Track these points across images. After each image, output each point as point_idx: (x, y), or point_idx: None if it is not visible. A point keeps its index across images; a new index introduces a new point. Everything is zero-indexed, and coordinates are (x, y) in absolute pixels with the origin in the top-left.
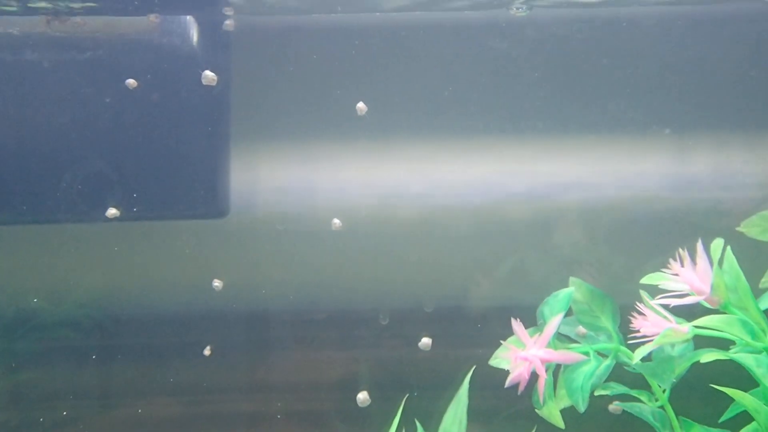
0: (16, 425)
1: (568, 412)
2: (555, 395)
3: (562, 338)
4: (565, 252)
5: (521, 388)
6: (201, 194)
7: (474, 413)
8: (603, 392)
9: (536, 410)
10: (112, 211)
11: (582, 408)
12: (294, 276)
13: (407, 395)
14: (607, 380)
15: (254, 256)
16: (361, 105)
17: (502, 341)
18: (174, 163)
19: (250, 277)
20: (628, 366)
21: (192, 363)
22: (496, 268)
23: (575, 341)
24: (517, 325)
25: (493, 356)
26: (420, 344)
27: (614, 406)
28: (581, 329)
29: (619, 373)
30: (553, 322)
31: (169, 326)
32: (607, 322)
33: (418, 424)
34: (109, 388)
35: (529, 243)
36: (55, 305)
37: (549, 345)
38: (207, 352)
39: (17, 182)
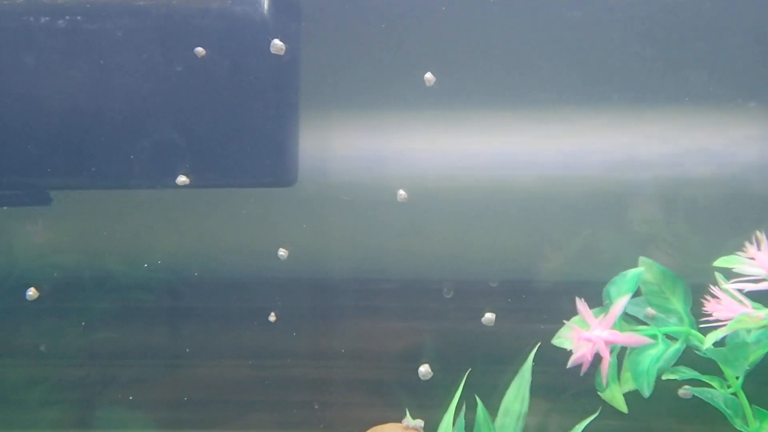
0: (93, 382)
1: (637, 393)
2: (619, 378)
3: (629, 319)
4: (640, 228)
5: (584, 369)
6: (269, 163)
7: (537, 390)
8: (671, 377)
9: (599, 393)
10: (182, 179)
11: (647, 392)
12: (359, 246)
13: (470, 369)
14: (676, 364)
15: (320, 225)
16: (429, 75)
17: (565, 320)
18: (243, 132)
19: (315, 246)
20: (699, 351)
21: (259, 327)
22: (566, 243)
23: (644, 323)
24: (581, 304)
25: (556, 335)
26: (483, 319)
27: (684, 391)
28: (650, 311)
29: (689, 357)
30: (619, 303)
31: (238, 291)
32: (678, 305)
33: (478, 400)
34: (179, 349)
35: (602, 218)
36: (130, 268)
37: (614, 326)
38: (272, 318)
39: (94, 149)
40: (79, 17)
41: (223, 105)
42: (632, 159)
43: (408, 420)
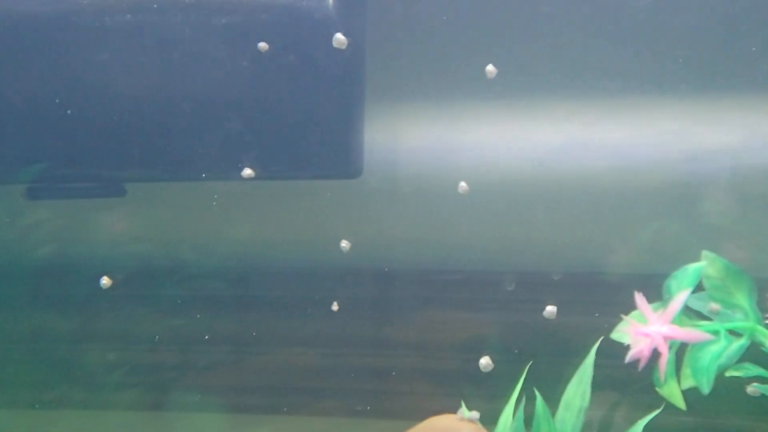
0: (170, 366)
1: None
2: (679, 374)
3: (691, 315)
4: (712, 220)
5: (641, 365)
6: (335, 155)
7: (599, 384)
8: (735, 374)
9: (656, 389)
10: (247, 172)
11: (706, 389)
12: (422, 237)
13: (531, 362)
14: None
15: (384, 216)
16: (490, 68)
17: (623, 315)
18: (309, 125)
19: (379, 237)
20: (765, 347)
21: (325, 317)
22: (633, 235)
23: (708, 318)
24: (640, 298)
25: (615, 330)
26: (545, 312)
27: (753, 389)
28: (714, 306)
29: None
30: (679, 297)
31: (305, 281)
32: (742, 300)
33: (537, 393)
34: (248, 336)
35: (672, 210)
36: (202, 257)
37: (674, 321)
38: (335, 307)
39: (166, 143)
40: (149, 14)
41: (291, 98)
42: (705, 148)
43: (463, 411)
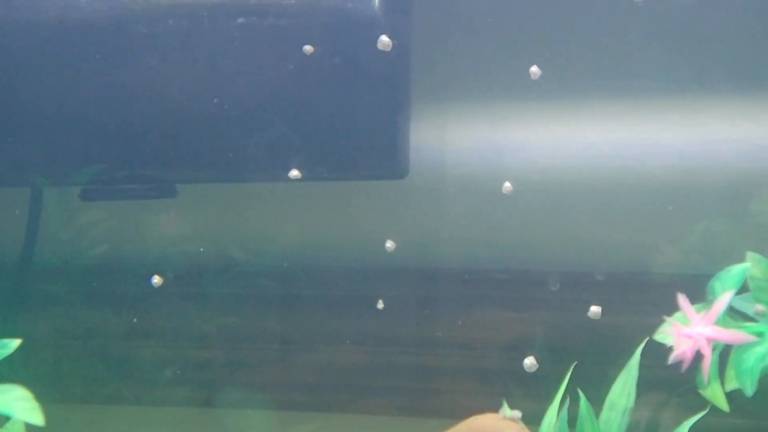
0: (220, 364)
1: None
2: (723, 376)
3: (736, 316)
4: (760, 221)
5: (684, 366)
6: (380, 156)
7: (644, 385)
8: None
9: (699, 390)
10: (294, 173)
11: (750, 391)
12: (467, 237)
13: (575, 362)
14: None
15: (430, 216)
16: (534, 69)
17: (665, 316)
18: (356, 126)
19: (425, 236)
20: None
21: (371, 315)
22: (679, 235)
23: (752, 319)
24: (682, 299)
25: (658, 331)
26: (589, 313)
27: None
28: (760, 307)
29: None
30: (723, 299)
31: (351, 280)
32: None
33: (581, 393)
34: (295, 334)
35: (719, 210)
36: (250, 256)
37: (718, 323)
38: (380, 305)
39: (215, 145)
40: (197, 20)
41: (337, 100)
42: (754, 148)
43: (505, 411)
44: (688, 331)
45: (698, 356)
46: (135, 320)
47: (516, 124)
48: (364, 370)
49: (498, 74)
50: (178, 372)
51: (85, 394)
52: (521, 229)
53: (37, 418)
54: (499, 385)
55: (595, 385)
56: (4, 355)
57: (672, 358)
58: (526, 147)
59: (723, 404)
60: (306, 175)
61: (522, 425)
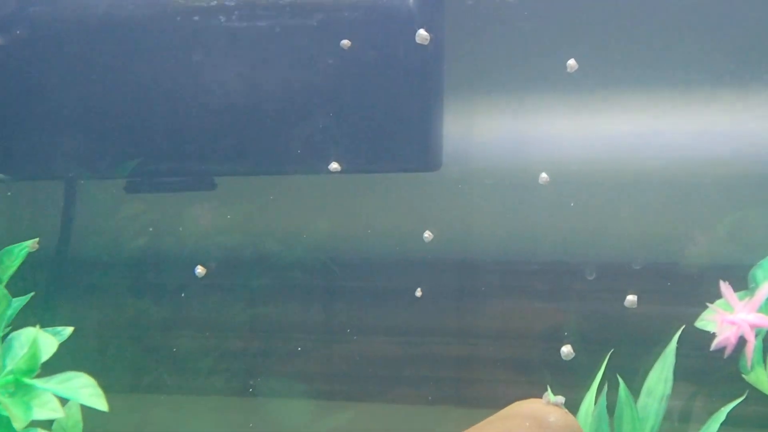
0: (253, 354)
1: None
2: (765, 361)
3: None
4: None
5: (727, 352)
6: (415, 148)
7: (680, 373)
8: None
9: (743, 376)
10: (333, 165)
11: None
12: (502, 228)
13: (612, 351)
14: None
15: (464, 208)
16: (571, 62)
17: (708, 303)
18: (390, 119)
19: (460, 228)
20: None
21: (405, 307)
22: (713, 225)
23: None
24: (725, 287)
25: (700, 318)
26: (626, 302)
27: None
28: None
29: None
30: (766, 286)
31: (386, 272)
32: None
33: (620, 380)
34: (331, 325)
35: (752, 199)
36: (287, 248)
37: (761, 310)
38: (418, 293)
39: (254, 138)
40: (239, 16)
41: (371, 94)
42: None
43: (549, 396)
44: (732, 317)
45: (741, 342)
46: (174, 310)
47: (547, 116)
48: (399, 360)
49: (531, 67)
50: (217, 361)
51: (127, 382)
52: (557, 220)
53: (102, 404)
54: (534, 374)
55: (630, 373)
56: (60, 341)
57: (715, 345)
58: (558, 139)
59: (767, 388)
60: (345, 167)
61: (565, 410)
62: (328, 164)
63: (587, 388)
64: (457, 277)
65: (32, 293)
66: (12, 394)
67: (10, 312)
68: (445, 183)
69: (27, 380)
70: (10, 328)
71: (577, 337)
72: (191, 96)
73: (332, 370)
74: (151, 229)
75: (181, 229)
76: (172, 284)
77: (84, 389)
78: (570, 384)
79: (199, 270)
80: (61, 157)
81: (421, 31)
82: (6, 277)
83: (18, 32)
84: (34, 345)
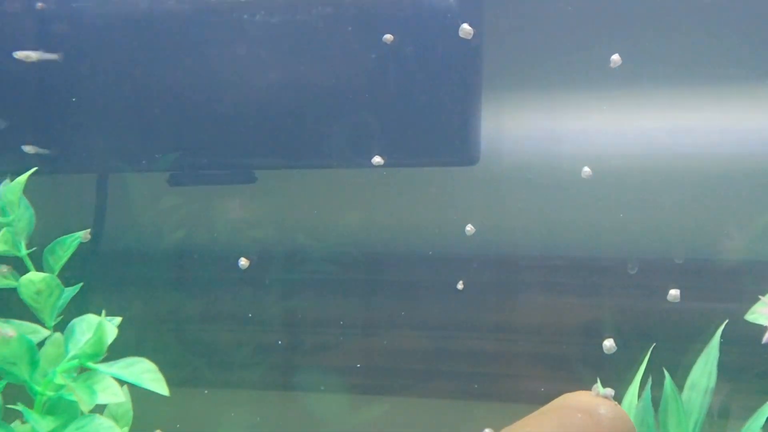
0: (285, 346)
1: None
2: None
3: None
4: None
5: None
6: (453, 143)
7: (723, 368)
8: None
9: None
10: (377, 159)
11: None
12: (542, 223)
13: (653, 345)
14: None
15: (501, 202)
16: (615, 57)
17: (760, 296)
18: (429, 114)
19: (497, 223)
20: None
21: (442, 301)
22: (751, 220)
23: None
24: None
25: (750, 311)
26: (668, 296)
27: None
28: None
29: None
30: None
31: (423, 265)
32: None
33: (666, 373)
34: (364, 319)
35: None
36: (318, 242)
37: None
38: (460, 285)
39: (296, 131)
40: (281, 10)
41: (412, 88)
42: None
43: (598, 388)
44: None
45: None
46: (206, 304)
47: (586, 111)
48: (433, 354)
49: (571, 62)
50: (252, 355)
51: (165, 376)
52: (595, 214)
53: (163, 389)
54: (575, 369)
55: (672, 367)
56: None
57: (766, 338)
58: (598, 134)
59: None
60: (385, 161)
61: (615, 402)
62: (371, 158)
63: (628, 382)
64: (494, 271)
65: (81, 283)
66: (75, 379)
67: (62, 302)
68: (482, 177)
69: (91, 365)
70: (61, 317)
71: (618, 331)
72: (234, 90)
73: (366, 364)
74: (187, 223)
75: (216, 222)
76: (205, 277)
77: (146, 374)
78: (609, 379)
79: (243, 262)
80: (102, 151)
81: (465, 26)
82: (58, 267)
83: (62, 28)
84: (100, 330)
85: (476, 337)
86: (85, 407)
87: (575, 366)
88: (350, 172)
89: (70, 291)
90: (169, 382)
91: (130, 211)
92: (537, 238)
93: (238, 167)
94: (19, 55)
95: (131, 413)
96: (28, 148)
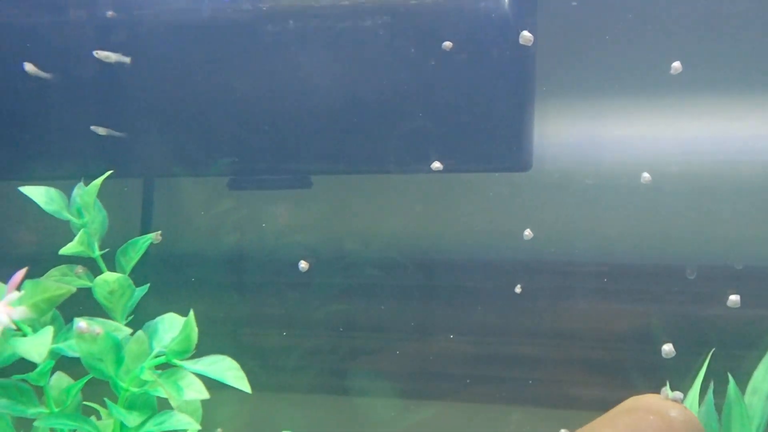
0: (327, 350)
1: None
2: None
3: None
4: None
5: None
6: (507, 149)
7: None
8: None
9: None
10: (436, 164)
11: None
12: (600, 228)
13: (712, 350)
14: None
15: (555, 208)
16: (676, 64)
17: None
18: (483, 120)
19: (552, 228)
20: None
21: (495, 307)
22: None
23: None
24: None
25: None
26: (728, 302)
27: None
28: None
29: None
30: None
31: (479, 271)
32: None
33: (730, 377)
34: (427, 324)
35: None
36: (364, 246)
37: None
38: (518, 289)
39: (351, 137)
40: (340, 19)
41: (466, 95)
42: None
43: (667, 391)
44: None
45: None
46: (256, 307)
47: (640, 118)
48: (477, 360)
49: (625, 69)
50: (301, 359)
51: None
52: (654, 220)
53: (245, 386)
54: (630, 376)
55: (732, 373)
56: None
57: None
58: (655, 141)
59: None
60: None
61: (684, 406)
62: (428, 164)
63: (684, 388)
64: (550, 276)
65: (148, 284)
66: (160, 376)
67: (132, 302)
68: (535, 183)
69: (177, 362)
70: (132, 316)
71: (676, 336)
72: (289, 99)
73: (411, 369)
74: (240, 227)
75: (268, 226)
76: (253, 281)
77: (229, 371)
78: (662, 385)
79: (303, 265)
80: (159, 156)
81: (525, 33)
82: (129, 268)
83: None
84: (188, 327)
85: (535, 343)
86: (174, 402)
87: (630, 372)
88: (403, 177)
89: (140, 291)
90: (219, 385)
91: (185, 214)
92: (595, 243)
93: (294, 172)
94: (100, 54)
95: (200, 411)
96: (100, 130)
